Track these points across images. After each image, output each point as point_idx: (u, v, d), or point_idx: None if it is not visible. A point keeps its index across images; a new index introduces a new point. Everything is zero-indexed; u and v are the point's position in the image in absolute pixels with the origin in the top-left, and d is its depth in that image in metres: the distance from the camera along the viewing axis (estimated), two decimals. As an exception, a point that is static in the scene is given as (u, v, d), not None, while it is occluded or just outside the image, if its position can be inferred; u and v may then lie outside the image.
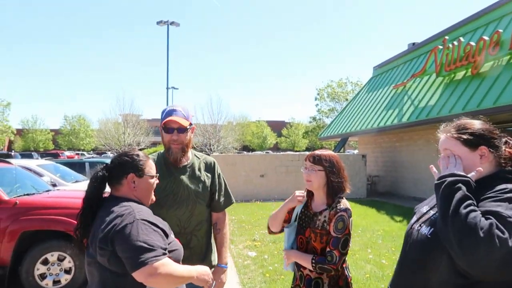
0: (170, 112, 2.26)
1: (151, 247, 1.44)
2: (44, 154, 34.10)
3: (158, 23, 28.04)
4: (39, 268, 4.69)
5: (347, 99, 33.27)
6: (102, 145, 32.41)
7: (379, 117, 14.25)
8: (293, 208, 2.28)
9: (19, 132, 53.03)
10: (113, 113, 33.43)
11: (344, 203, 2.10)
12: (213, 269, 2.31)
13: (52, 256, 4.74)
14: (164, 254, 1.48)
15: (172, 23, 27.97)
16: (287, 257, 2.13)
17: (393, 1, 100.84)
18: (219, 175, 2.45)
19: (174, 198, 2.24)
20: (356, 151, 23.19)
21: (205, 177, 2.36)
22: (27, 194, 5.21)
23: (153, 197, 1.80)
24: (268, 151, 46.61)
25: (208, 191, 2.34)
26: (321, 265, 1.94)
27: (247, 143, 53.43)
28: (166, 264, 1.46)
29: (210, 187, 2.36)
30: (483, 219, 1.15)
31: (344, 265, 2.08)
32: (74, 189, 7.42)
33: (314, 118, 39.51)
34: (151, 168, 1.73)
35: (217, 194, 2.39)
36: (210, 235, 2.42)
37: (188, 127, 2.26)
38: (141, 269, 1.41)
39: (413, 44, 15.92)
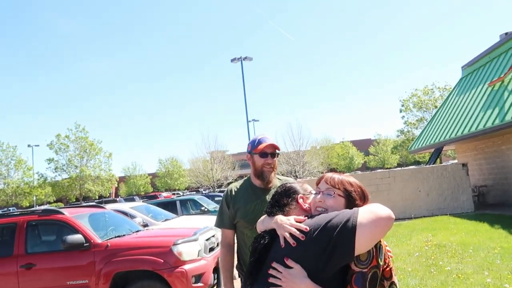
0: (264, 139, 2.56)
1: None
2: (145, 197, 36.87)
3: (232, 60, 29.24)
4: (133, 309, 4.75)
5: (436, 106, 30.85)
6: (193, 183, 34.01)
7: (476, 120, 12.75)
8: None
9: (122, 179, 58.35)
10: (200, 151, 35.14)
11: None
12: None
13: (144, 296, 4.79)
14: None
15: (245, 58, 28.95)
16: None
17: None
18: None
19: None
20: (455, 161, 21.07)
21: None
22: (118, 236, 5.42)
23: None
24: (356, 171, 44.76)
25: None
26: None
27: (334, 166, 52.06)
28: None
29: None
30: None
31: None
32: (164, 227, 7.65)
33: (401, 131, 37.20)
34: (306, 187, 1.81)
35: None
36: None
37: (278, 153, 2.59)
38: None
39: (506, 34, 14.24)
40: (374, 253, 1.36)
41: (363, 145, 57.93)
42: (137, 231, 5.91)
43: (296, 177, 29.16)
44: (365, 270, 1.34)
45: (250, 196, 2.51)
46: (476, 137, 13.09)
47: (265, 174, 2.52)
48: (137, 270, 4.88)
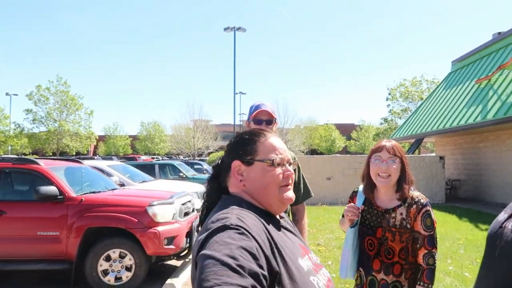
0: (260, 106, 2.44)
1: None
2: (123, 158, 36.52)
3: (225, 29, 28.65)
4: (102, 264, 4.76)
5: (422, 98, 31.20)
6: (174, 149, 33.85)
7: (459, 115, 12.97)
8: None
9: (102, 138, 57.51)
10: (183, 118, 34.83)
11: (420, 195, 1.97)
12: None
13: (114, 253, 4.79)
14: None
15: (238, 28, 28.41)
16: None
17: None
18: (299, 169, 2.55)
19: None
20: (433, 154, 21.54)
21: None
22: (93, 192, 5.37)
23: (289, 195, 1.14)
24: (337, 154, 45.36)
25: None
26: (432, 276, 1.91)
27: (315, 147, 52.50)
28: None
29: None
30: None
31: None
32: (140, 188, 7.61)
33: (385, 120, 37.63)
34: (269, 149, 1.13)
35: (296, 186, 2.50)
36: None
37: (274, 120, 2.43)
38: None
39: (499, 33, 14.34)
40: (434, 219, 2.03)
41: (346, 130, 58.41)
42: (113, 189, 5.86)
43: (277, 153, 29.37)
44: (432, 233, 1.98)
45: None
46: (456, 132, 13.36)
47: None
48: (110, 227, 4.86)
